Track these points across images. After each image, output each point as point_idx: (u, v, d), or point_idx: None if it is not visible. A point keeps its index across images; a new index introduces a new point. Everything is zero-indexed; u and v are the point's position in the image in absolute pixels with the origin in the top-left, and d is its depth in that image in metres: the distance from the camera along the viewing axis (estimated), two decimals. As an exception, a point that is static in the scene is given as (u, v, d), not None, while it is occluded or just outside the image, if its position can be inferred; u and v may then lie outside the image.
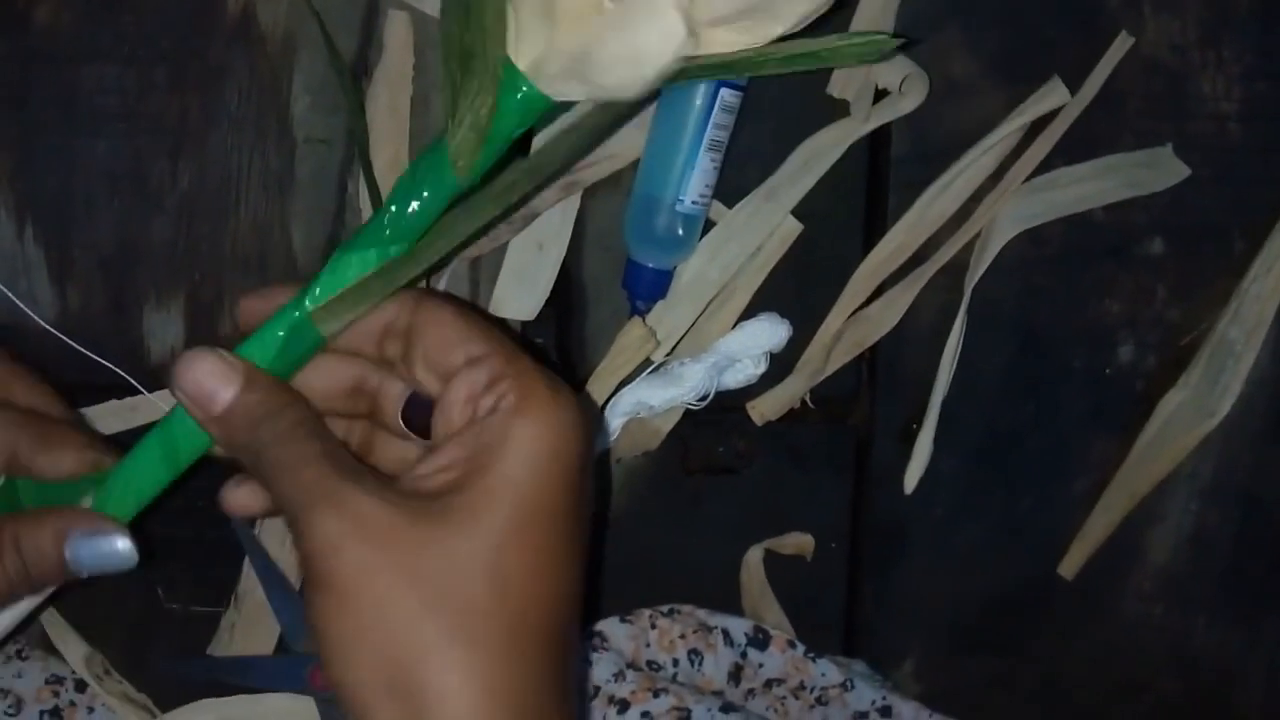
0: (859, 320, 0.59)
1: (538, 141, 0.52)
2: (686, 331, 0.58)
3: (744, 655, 0.59)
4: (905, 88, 0.57)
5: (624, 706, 0.56)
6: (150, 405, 0.53)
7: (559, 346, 0.59)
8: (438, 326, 0.42)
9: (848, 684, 0.59)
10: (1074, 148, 0.58)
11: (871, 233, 0.59)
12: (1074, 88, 0.57)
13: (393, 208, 0.42)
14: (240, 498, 0.44)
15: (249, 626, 0.58)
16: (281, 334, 0.42)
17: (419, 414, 0.43)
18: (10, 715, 0.56)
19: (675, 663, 0.59)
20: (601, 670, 0.57)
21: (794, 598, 0.62)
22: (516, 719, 0.37)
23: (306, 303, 0.43)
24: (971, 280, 0.58)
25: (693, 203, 0.55)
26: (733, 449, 0.60)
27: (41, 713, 0.56)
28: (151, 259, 0.56)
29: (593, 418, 0.40)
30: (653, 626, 0.59)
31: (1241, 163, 0.59)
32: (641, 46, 0.39)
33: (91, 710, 0.57)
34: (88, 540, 0.44)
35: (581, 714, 0.55)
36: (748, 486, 0.61)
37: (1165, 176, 0.59)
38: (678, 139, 0.54)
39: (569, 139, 0.43)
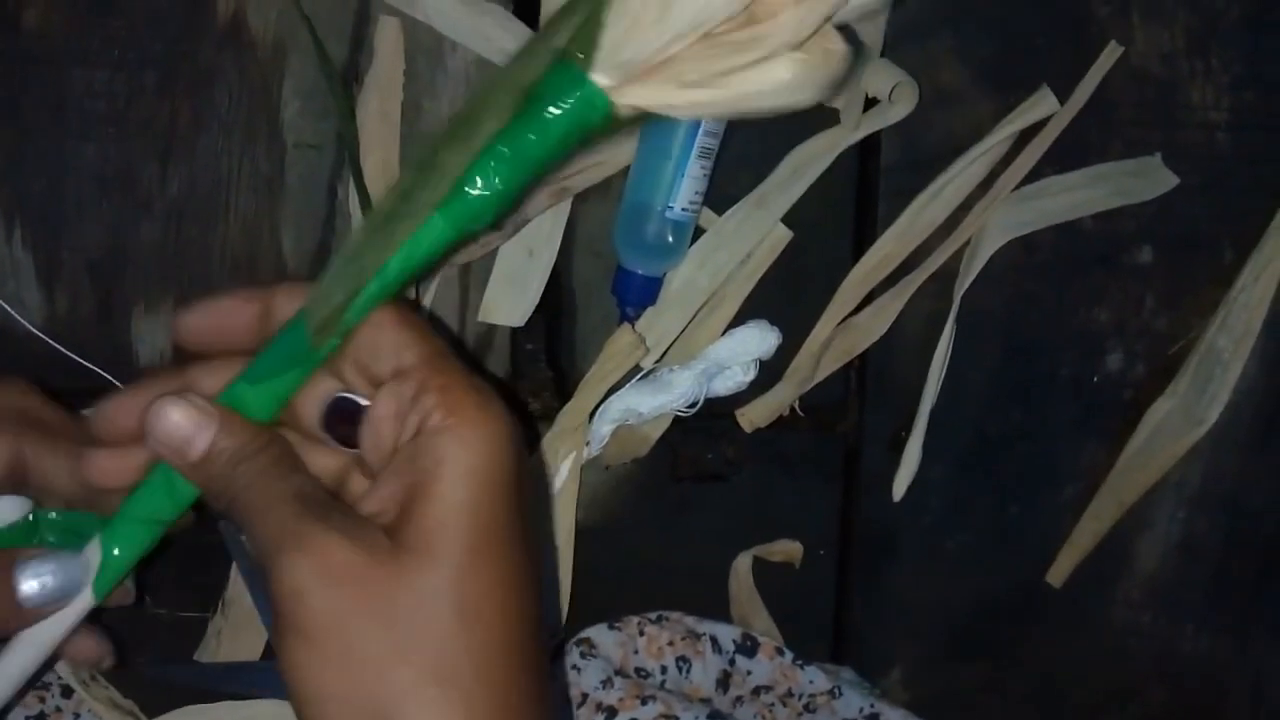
0: (848, 328, 0.59)
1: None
2: (676, 338, 0.58)
3: (732, 662, 0.59)
4: (895, 96, 0.57)
5: (612, 713, 0.56)
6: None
7: (548, 352, 0.59)
8: (372, 329, 0.41)
9: (836, 691, 0.59)
10: (1063, 156, 0.58)
11: (861, 240, 0.59)
12: (1063, 96, 0.58)
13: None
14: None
15: (236, 632, 0.58)
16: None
17: (343, 421, 0.42)
18: (-5, 721, 0.55)
19: (663, 670, 0.58)
20: (589, 677, 0.56)
21: (782, 605, 0.62)
22: None
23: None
24: (961, 288, 0.58)
25: (683, 209, 0.55)
26: (722, 456, 0.60)
27: (27, 718, 0.56)
28: (140, 263, 0.56)
29: (518, 422, 0.39)
30: (641, 633, 0.59)
31: (1230, 172, 0.60)
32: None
33: (78, 716, 0.56)
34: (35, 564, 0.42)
35: (567, 721, 0.55)
36: (736, 493, 0.61)
37: (1154, 185, 0.59)
38: (668, 146, 0.54)
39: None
